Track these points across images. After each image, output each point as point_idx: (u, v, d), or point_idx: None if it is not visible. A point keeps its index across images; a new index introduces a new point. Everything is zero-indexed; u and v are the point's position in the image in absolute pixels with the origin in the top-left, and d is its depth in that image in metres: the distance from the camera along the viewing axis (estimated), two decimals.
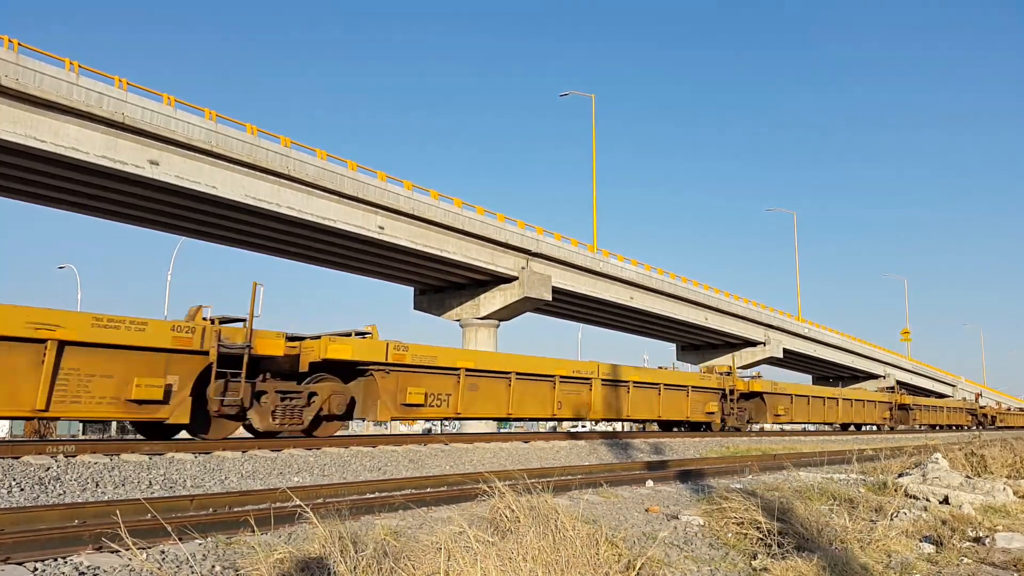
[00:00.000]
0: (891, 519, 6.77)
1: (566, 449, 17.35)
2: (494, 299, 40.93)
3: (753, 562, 5.43)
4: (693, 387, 24.72)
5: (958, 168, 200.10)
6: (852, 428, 39.09)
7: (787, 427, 36.19)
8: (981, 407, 58.60)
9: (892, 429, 40.00)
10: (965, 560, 5.74)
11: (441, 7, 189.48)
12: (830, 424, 37.47)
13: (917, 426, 45.12)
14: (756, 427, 30.48)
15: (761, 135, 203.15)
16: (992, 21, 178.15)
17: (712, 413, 25.37)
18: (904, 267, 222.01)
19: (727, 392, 26.14)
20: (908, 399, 44.49)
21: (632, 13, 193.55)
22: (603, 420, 22.72)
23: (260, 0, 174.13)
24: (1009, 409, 73.50)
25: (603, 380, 20.71)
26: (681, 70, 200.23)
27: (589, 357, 25.24)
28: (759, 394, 28.24)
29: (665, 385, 23.54)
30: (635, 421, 25.50)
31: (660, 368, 25.43)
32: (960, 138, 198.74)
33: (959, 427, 50.73)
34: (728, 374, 27.13)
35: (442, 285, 42.39)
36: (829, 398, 33.98)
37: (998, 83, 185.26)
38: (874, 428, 40.15)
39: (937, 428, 48.11)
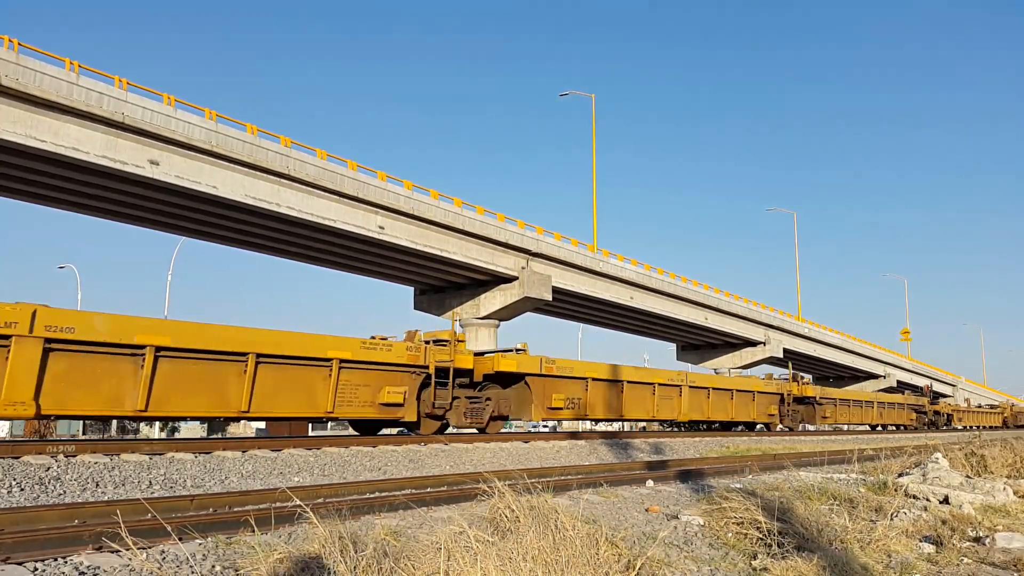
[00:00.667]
0: (891, 519, 6.77)
1: (566, 449, 17.47)
2: (494, 299, 40.93)
3: (753, 562, 5.43)
4: (345, 362, 15.07)
5: (958, 168, 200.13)
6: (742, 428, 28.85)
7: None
8: (932, 403, 47.48)
9: (791, 430, 30.18)
10: (965, 560, 5.75)
11: (441, 7, 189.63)
12: (663, 423, 27.47)
13: (834, 427, 35.40)
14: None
15: (761, 135, 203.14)
16: (992, 21, 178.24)
17: (396, 405, 16.00)
18: (904, 267, 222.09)
19: (433, 372, 16.60)
20: (812, 390, 32.59)
21: (632, 13, 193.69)
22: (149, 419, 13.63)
23: (260, 0, 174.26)
24: (980, 406, 63.53)
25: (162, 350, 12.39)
26: (681, 70, 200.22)
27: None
28: (521, 377, 18.51)
29: (259, 357, 13.56)
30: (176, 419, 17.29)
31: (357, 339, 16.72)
32: (960, 138, 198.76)
33: (903, 428, 41.97)
34: (444, 343, 17.17)
35: (442, 285, 42.39)
36: (665, 385, 23.60)
37: (998, 83, 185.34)
38: (763, 428, 29.90)
39: (880, 428, 39.91)
